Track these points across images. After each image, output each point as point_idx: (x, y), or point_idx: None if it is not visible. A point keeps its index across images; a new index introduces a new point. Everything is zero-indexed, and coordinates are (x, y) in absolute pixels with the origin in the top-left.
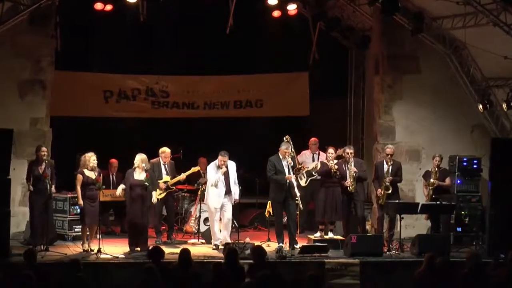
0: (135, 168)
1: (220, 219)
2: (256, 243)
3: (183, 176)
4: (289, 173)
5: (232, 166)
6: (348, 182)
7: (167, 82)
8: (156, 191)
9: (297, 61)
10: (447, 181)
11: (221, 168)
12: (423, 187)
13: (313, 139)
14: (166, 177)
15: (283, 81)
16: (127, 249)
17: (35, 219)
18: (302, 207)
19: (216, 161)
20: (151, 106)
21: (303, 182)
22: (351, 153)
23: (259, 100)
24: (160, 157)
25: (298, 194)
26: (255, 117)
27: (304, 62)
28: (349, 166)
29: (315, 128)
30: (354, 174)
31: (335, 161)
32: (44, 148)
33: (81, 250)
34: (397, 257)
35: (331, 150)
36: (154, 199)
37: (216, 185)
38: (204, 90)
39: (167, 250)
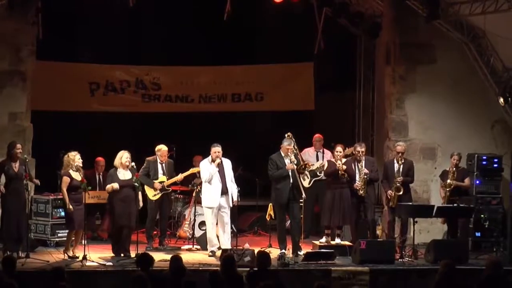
0: (117, 168)
1: (217, 223)
2: (256, 249)
3: (180, 176)
4: (292, 173)
5: (227, 164)
6: (358, 184)
7: (159, 73)
8: (150, 191)
9: (301, 50)
10: (466, 181)
11: (215, 161)
12: (440, 188)
13: (317, 135)
14: (162, 177)
15: (285, 73)
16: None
17: (9, 223)
18: (304, 196)
19: (209, 157)
20: (141, 100)
21: (306, 183)
22: (362, 152)
23: (260, 93)
24: (156, 155)
25: (304, 194)
26: (255, 111)
27: (309, 51)
28: (360, 166)
29: (320, 123)
30: (365, 177)
31: (344, 160)
32: (19, 145)
33: (65, 257)
34: (410, 265)
35: (339, 149)
36: (141, 203)
37: (210, 182)
38: (199, 82)
39: (158, 256)
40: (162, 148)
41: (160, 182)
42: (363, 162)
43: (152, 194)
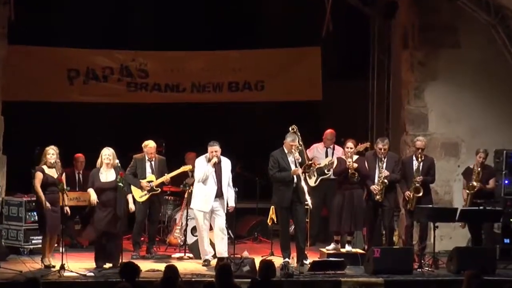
0: (99, 167)
1: (211, 228)
2: (256, 257)
3: (167, 177)
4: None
5: (226, 164)
6: (376, 188)
7: (146, 59)
8: (136, 192)
9: (306, 33)
10: (491, 183)
11: (212, 160)
12: (463, 188)
13: (329, 131)
14: (150, 176)
15: (289, 58)
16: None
17: None
18: (311, 206)
19: (206, 155)
20: (126, 89)
21: (312, 182)
22: (384, 150)
23: (260, 81)
24: (144, 152)
25: (308, 198)
26: (254, 102)
27: (316, 34)
28: (381, 166)
29: (328, 116)
30: (385, 181)
31: (355, 157)
32: None
33: (41, 267)
34: (430, 275)
35: (349, 144)
36: (131, 206)
37: (204, 183)
38: (192, 69)
39: (146, 266)
40: (149, 144)
41: (149, 182)
42: (385, 161)
43: (139, 195)
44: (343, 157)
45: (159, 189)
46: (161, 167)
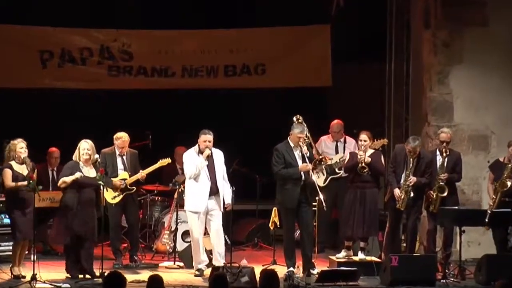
0: (78, 162)
1: (205, 233)
2: (256, 266)
3: (142, 173)
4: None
5: (218, 156)
6: (398, 195)
7: (130, 39)
8: (108, 193)
9: (314, 9)
10: None
11: (204, 152)
12: (489, 184)
13: (336, 121)
14: (123, 174)
15: (294, 38)
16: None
17: None
18: (324, 205)
19: (196, 147)
20: (107, 73)
21: (321, 181)
22: (414, 152)
23: (261, 64)
24: (115, 146)
25: (321, 196)
26: (254, 88)
27: (325, 12)
28: (408, 170)
29: (339, 104)
30: (409, 190)
31: (370, 152)
32: None
33: (9, 277)
34: (456, 287)
35: (364, 136)
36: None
37: (196, 179)
38: (182, 50)
39: (129, 277)
40: (123, 137)
41: (122, 180)
42: (414, 165)
43: (111, 196)
44: (357, 151)
45: (134, 188)
46: (134, 162)
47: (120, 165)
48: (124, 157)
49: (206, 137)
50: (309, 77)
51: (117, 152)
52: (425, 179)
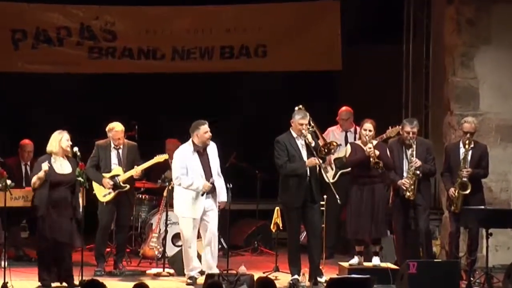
0: (50, 155)
1: (199, 236)
2: (257, 273)
3: (137, 169)
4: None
5: (212, 149)
6: (405, 182)
7: (114, 17)
8: (99, 190)
9: None
10: None
11: (204, 143)
12: None
13: (345, 108)
14: (117, 169)
15: (299, 16)
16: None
17: None
18: (339, 200)
19: (190, 142)
20: (87, 55)
21: (330, 176)
22: (413, 133)
23: (261, 45)
24: (109, 138)
25: (334, 191)
26: (254, 72)
27: None
28: (409, 154)
29: (350, 90)
30: (417, 172)
31: (375, 142)
32: None
33: None
34: None
35: (368, 126)
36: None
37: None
38: (173, 30)
39: (113, 285)
40: (115, 127)
41: (113, 177)
42: (415, 147)
43: (102, 193)
44: (358, 142)
45: (128, 186)
46: (131, 156)
47: (114, 159)
48: (120, 151)
49: (206, 128)
50: (316, 60)
51: (112, 145)
52: (428, 165)
